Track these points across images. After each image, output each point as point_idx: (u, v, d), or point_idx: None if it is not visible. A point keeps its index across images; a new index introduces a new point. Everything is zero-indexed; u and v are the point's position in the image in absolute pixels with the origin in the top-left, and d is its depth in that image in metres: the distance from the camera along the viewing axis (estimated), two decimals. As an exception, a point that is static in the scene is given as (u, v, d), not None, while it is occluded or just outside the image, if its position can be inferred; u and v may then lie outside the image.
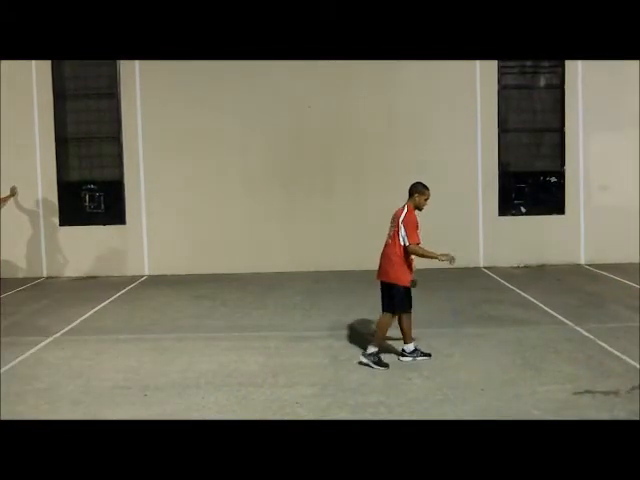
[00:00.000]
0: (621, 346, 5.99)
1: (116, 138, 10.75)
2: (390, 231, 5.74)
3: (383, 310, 5.79)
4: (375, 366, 5.59)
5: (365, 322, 7.10)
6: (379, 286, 5.84)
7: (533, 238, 10.65)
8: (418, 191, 5.71)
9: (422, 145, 10.62)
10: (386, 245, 5.77)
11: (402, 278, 5.67)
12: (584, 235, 10.73)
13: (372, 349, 5.67)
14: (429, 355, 5.84)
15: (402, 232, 5.60)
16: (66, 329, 7.19)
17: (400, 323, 5.80)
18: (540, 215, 10.76)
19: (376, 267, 5.87)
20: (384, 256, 5.78)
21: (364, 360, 5.65)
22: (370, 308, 7.61)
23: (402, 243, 5.63)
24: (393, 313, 5.73)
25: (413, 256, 5.68)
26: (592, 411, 4.52)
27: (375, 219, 10.81)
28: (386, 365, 5.62)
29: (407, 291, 5.73)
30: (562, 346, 6.11)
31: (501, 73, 10.68)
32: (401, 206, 5.77)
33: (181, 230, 10.68)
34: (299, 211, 10.71)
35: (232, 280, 9.90)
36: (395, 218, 5.72)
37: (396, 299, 5.67)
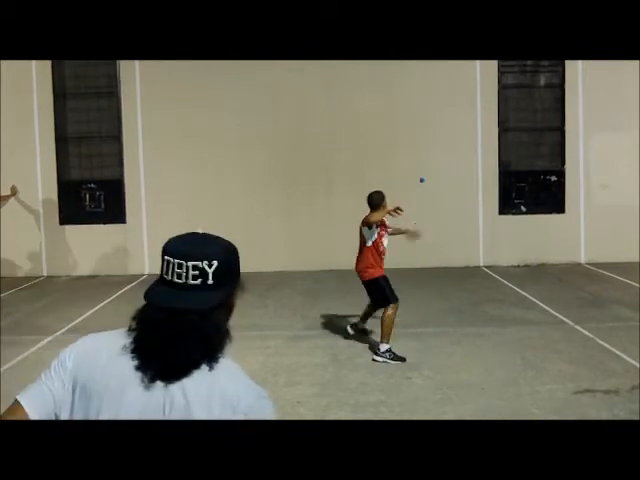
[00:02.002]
0: (621, 345, 5.99)
1: (116, 137, 10.76)
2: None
3: (377, 307, 6.02)
4: (392, 362, 5.66)
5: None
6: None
7: (533, 237, 10.65)
8: (383, 199, 5.91)
9: (422, 145, 10.62)
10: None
11: (376, 271, 5.91)
12: (584, 234, 10.74)
13: (384, 346, 5.74)
14: (403, 360, 5.74)
15: (364, 230, 5.95)
16: (66, 328, 7.19)
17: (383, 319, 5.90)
18: (540, 214, 10.77)
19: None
20: (357, 260, 6.10)
21: (379, 359, 5.72)
22: (370, 307, 7.59)
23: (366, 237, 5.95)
24: (390, 304, 5.82)
25: (382, 249, 5.97)
26: (592, 410, 4.52)
27: (375, 218, 10.85)
28: (403, 359, 5.70)
29: (387, 281, 5.89)
30: (562, 345, 6.12)
31: (501, 72, 10.68)
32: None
33: (181, 229, 10.64)
34: (299, 210, 10.71)
35: (232, 279, 9.88)
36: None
37: (381, 292, 5.86)
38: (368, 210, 5.84)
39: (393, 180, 10.59)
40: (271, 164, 10.64)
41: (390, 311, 5.78)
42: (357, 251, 6.08)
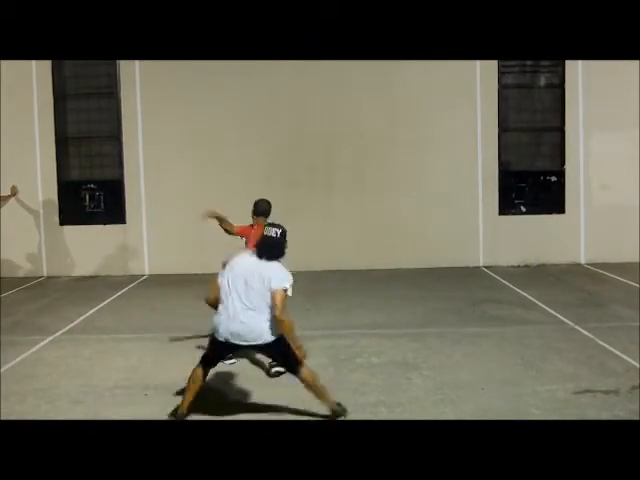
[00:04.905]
0: (621, 345, 5.99)
1: (116, 137, 10.75)
2: None
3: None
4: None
5: (365, 322, 7.10)
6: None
7: (533, 237, 10.64)
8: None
9: (422, 145, 10.61)
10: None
11: None
12: (584, 234, 10.73)
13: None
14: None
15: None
16: (66, 328, 7.19)
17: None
18: (540, 214, 10.75)
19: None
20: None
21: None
22: (370, 308, 7.62)
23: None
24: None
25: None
26: (592, 410, 4.52)
27: (375, 219, 10.84)
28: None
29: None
30: (562, 345, 6.11)
31: (501, 72, 10.67)
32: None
33: (181, 229, 10.67)
34: (299, 211, 10.69)
35: (232, 280, 9.88)
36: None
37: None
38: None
39: (393, 180, 10.61)
40: (271, 164, 10.63)
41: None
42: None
